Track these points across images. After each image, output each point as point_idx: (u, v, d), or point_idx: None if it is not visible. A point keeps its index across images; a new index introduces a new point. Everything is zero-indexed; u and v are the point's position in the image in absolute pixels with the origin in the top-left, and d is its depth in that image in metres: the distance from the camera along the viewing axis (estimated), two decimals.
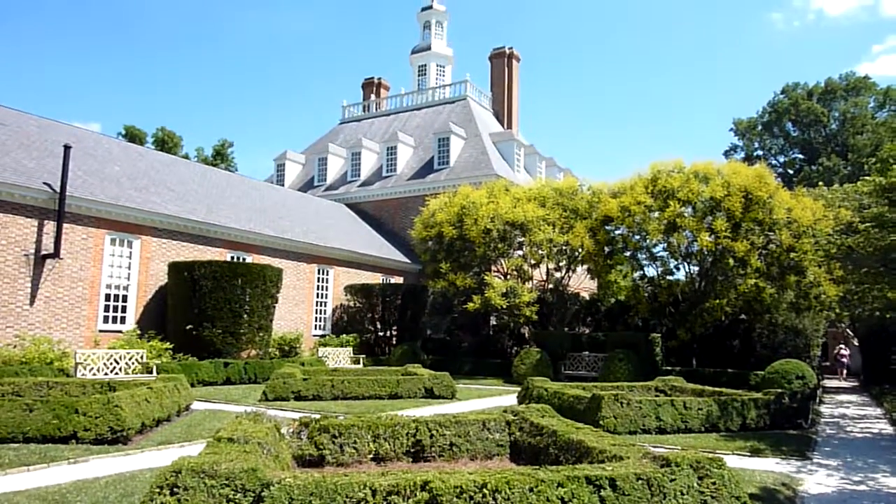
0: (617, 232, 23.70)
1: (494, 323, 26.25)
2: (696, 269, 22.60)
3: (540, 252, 24.01)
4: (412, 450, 7.31)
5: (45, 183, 17.39)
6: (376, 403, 13.81)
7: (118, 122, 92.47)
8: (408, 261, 30.32)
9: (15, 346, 15.97)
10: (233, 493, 3.93)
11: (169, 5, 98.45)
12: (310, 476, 4.17)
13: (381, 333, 26.51)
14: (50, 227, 17.44)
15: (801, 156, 54.11)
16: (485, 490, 4.17)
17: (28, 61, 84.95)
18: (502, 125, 38.11)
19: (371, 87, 44.29)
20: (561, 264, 25.24)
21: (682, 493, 4.62)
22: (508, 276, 24.59)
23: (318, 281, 26.22)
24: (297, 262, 25.07)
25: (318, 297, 26.13)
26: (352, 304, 26.63)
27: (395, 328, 26.55)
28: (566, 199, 24.55)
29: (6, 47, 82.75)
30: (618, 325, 25.42)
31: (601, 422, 10.41)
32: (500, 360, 24.42)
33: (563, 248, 24.18)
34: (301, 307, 25.08)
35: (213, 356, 18.36)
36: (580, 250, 23.81)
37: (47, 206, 17.39)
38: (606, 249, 23.89)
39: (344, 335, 25.28)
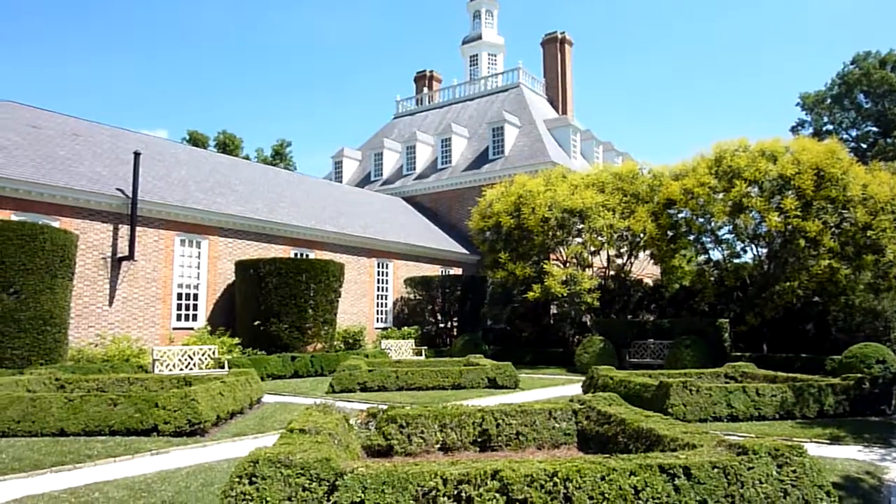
0: (680, 215, 23.10)
1: (555, 312, 26.02)
2: (765, 251, 21.82)
3: (600, 238, 23.66)
4: (479, 439, 7.34)
5: (118, 189, 18.17)
6: (440, 394, 13.92)
7: (182, 127, 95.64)
8: (466, 252, 30.37)
9: (97, 345, 16.80)
10: (308, 482, 4.04)
11: (225, 15, 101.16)
12: (381, 465, 4.24)
13: (441, 325, 26.69)
14: (124, 230, 18.23)
15: (874, 129, 51.43)
16: (556, 479, 4.15)
17: (98, 73, 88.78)
18: (557, 111, 37.63)
19: (423, 80, 44.43)
20: (622, 250, 24.81)
21: (761, 482, 4.49)
22: (568, 264, 24.32)
23: (379, 274, 26.56)
24: (358, 256, 25.45)
25: (378, 290, 26.49)
26: (412, 296, 26.89)
27: (455, 319, 26.67)
28: (626, 184, 24.08)
29: (79, 62, 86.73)
30: (683, 311, 24.81)
31: (669, 410, 10.21)
32: (562, 349, 24.21)
33: (624, 233, 23.74)
34: (363, 301, 25.48)
35: (280, 350, 18.87)
36: (642, 235, 23.33)
37: (121, 210, 18.18)
38: (669, 234, 23.34)
39: (405, 327, 25.55)
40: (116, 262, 18.04)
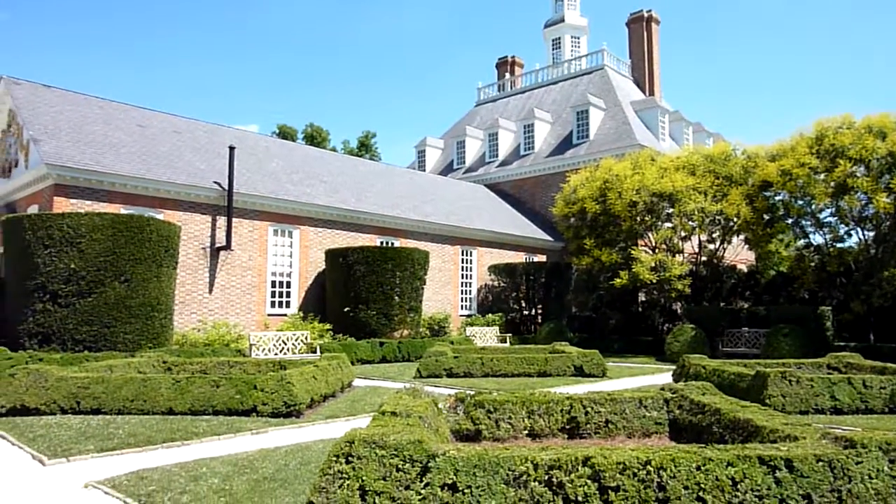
0: (777, 198, 22.00)
1: (643, 299, 25.40)
2: (872, 234, 20.44)
3: (691, 223, 22.85)
4: (566, 426, 7.30)
5: (215, 182, 19.11)
6: (525, 381, 13.91)
7: (272, 121, 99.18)
8: (550, 238, 30.08)
9: (199, 330, 17.79)
10: (401, 462, 4.16)
11: (312, 11, 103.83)
12: (472, 449, 4.31)
13: (525, 312, 26.61)
14: (221, 221, 19.17)
15: None
16: (649, 467, 4.09)
17: (195, 73, 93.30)
18: (644, 92, 36.49)
19: (505, 66, 44.10)
20: (714, 235, 23.87)
21: (870, 478, 4.26)
22: (657, 250, 23.64)
23: (463, 262, 26.74)
24: (442, 244, 25.70)
25: (462, 277, 26.67)
26: (496, 283, 26.92)
27: (539, 306, 26.52)
28: (718, 166, 23.10)
29: (177, 61, 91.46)
30: (780, 298, 23.65)
31: (767, 400, 9.80)
32: (651, 337, 23.62)
33: (717, 217, 22.81)
34: (447, 288, 25.73)
35: (368, 336, 19.37)
36: (735, 219, 22.35)
37: (218, 202, 19.12)
38: (765, 217, 22.27)
39: (489, 314, 25.64)
40: (215, 252, 19.01)
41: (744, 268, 27.05)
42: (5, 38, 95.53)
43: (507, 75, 43.08)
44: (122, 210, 16.90)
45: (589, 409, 7.31)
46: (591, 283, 25.54)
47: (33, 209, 17.31)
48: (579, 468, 4.11)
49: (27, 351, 13.36)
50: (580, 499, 4.03)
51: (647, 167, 23.39)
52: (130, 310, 14.45)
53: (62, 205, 16.33)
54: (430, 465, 4.13)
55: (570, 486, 4.05)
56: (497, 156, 35.72)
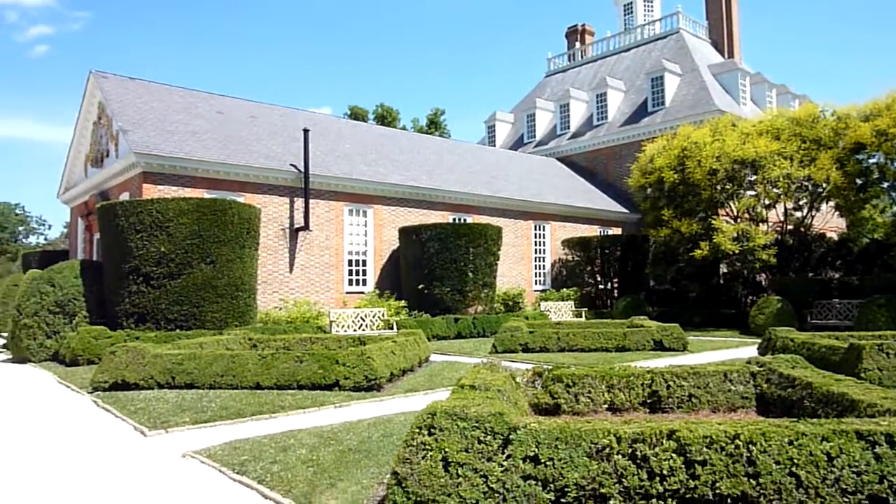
0: (871, 161, 20.70)
1: (725, 271, 24.50)
2: None
3: (775, 190, 21.79)
4: (648, 400, 7.17)
5: (291, 164, 19.61)
6: (603, 356, 13.74)
7: (344, 103, 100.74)
8: (625, 211, 29.40)
9: (280, 308, 18.44)
10: (482, 434, 4.20)
11: None
12: (553, 422, 4.30)
13: (601, 286, 26.19)
14: (299, 203, 19.70)
15: None
16: (738, 441, 3.97)
17: (269, 59, 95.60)
18: (722, 55, 34.86)
19: (575, 35, 42.97)
20: (801, 202, 22.70)
21: None
22: (739, 219, 22.71)
23: (536, 237, 26.53)
24: (514, 219, 25.55)
25: (536, 252, 26.48)
26: (570, 257, 26.60)
27: (615, 280, 26.05)
28: (804, 129, 21.86)
29: (251, 48, 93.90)
30: (874, 267, 22.33)
31: (862, 375, 9.29)
32: (734, 310, 22.82)
33: (804, 183, 21.65)
34: (521, 263, 25.62)
35: (443, 313, 19.56)
36: (824, 185, 21.16)
37: (294, 185, 19.63)
38: (858, 182, 21.02)
39: (564, 289, 25.39)
40: (294, 233, 19.58)
41: (834, 236, 25.65)
42: (91, 35, 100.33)
43: (578, 44, 42.01)
44: (206, 194, 17.60)
45: (671, 383, 7.15)
46: (669, 256, 24.83)
47: (124, 196, 18.27)
48: (664, 442, 4.03)
49: (125, 330, 14.21)
50: (665, 472, 3.96)
51: (727, 133, 22.41)
52: (217, 290, 15.10)
53: (150, 191, 17.16)
54: (511, 437, 4.15)
55: (654, 459, 3.98)
56: (569, 127, 35.05)
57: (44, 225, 76.78)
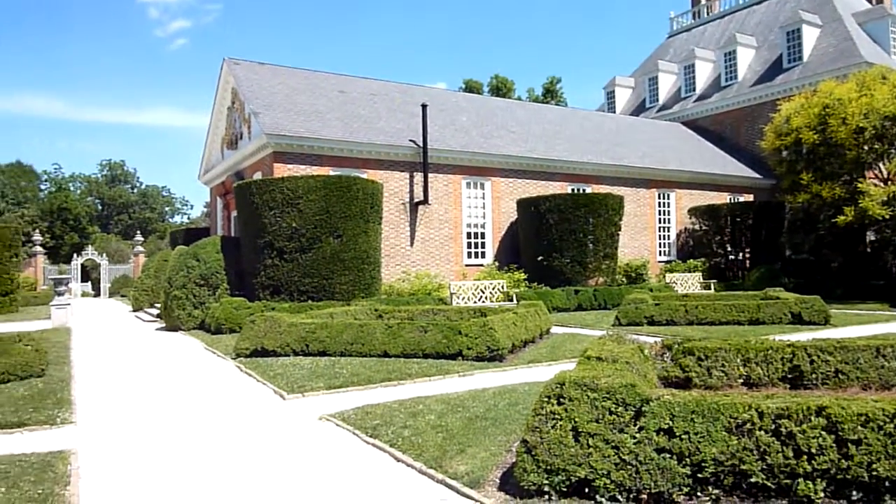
0: None
1: (873, 238, 22.43)
2: None
3: None
4: (788, 376, 6.75)
5: (410, 140, 19.98)
6: (735, 329, 13.07)
7: (458, 77, 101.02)
8: (757, 176, 27.58)
9: (403, 281, 18.98)
10: (614, 405, 4.13)
11: None
12: (688, 394, 4.16)
13: (731, 257, 24.83)
14: (418, 177, 20.07)
15: None
16: None
17: (386, 36, 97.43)
18: (869, 1, 31.53)
19: None
20: None
21: None
22: (890, 182, 20.67)
23: (660, 206, 25.52)
24: (636, 188, 24.69)
25: (660, 222, 25.50)
26: (697, 227, 25.38)
27: (747, 250, 24.59)
28: None
29: (369, 28, 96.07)
30: None
31: None
32: (882, 281, 20.93)
33: None
34: (644, 234, 24.78)
35: (563, 284, 19.34)
36: None
37: (414, 159, 20.00)
38: None
39: (690, 260, 24.32)
40: (414, 207, 20.00)
41: None
42: (223, 25, 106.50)
43: (703, 1, 39.48)
44: (331, 172, 18.31)
45: (815, 358, 6.68)
46: (808, 223, 23.07)
47: (258, 175, 19.38)
48: (812, 418, 3.79)
49: (261, 301, 15.18)
50: (813, 450, 3.73)
51: (876, 87, 20.34)
52: (344, 263, 15.76)
53: (281, 170, 18.10)
54: (643, 409, 4.06)
55: (801, 436, 3.75)
56: (694, 90, 33.19)
57: (186, 205, 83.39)
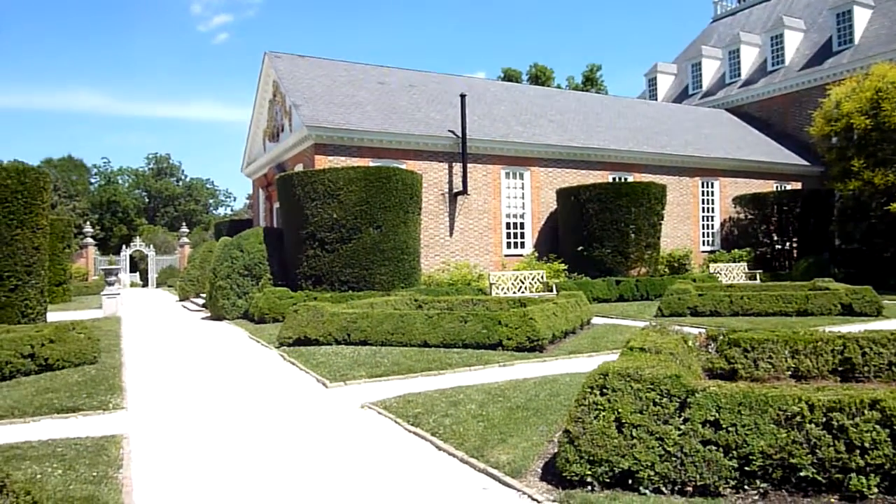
0: None
1: None
2: None
3: None
4: (839, 368, 6.57)
5: (449, 130, 19.96)
6: (782, 320, 12.75)
7: (497, 66, 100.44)
8: (805, 163, 26.80)
9: (442, 271, 19.02)
10: (658, 397, 4.08)
11: None
12: (735, 386, 4.08)
13: (778, 246, 24.21)
14: (457, 168, 20.05)
15: None
16: None
17: (425, 27, 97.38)
18: None
19: None
20: None
21: None
22: None
23: (703, 194, 25.02)
24: (679, 176, 24.24)
25: (703, 211, 25.01)
26: (742, 216, 24.81)
27: (794, 239, 23.94)
28: None
29: (407, 18, 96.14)
30: None
31: None
32: None
33: None
34: (687, 223, 24.34)
35: (603, 275, 19.14)
36: None
37: (452, 150, 19.98)
38: None
39: (735, 250, 23.80)
40: (452, 197, 20.00)
41: None
42: (264, 19, 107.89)
43: None
44: (371, 163, 18.44)
45: (867, 350, 6.49)
46: (859, 211, 22.30)
47: (299, 167, 19.62)
48: (865, 412, 3.69)
49: (303, 291, 15.40)
50: (867, 445, 3.63)
51: None
52: (384, 253, 15.87)
53: (322, 162, 18.29)
54: (688, 400, 4.00)
55: (853, 430, 3.66)
56: (739, 75, 32.35)
57: (230, 197, 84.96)
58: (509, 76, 52.73)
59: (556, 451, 4.51)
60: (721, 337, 7.00)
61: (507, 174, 21.20)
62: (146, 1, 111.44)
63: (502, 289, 17.50)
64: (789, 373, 6.66)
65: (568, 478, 4.08)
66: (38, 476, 4.58)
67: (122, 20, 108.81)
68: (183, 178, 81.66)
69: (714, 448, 3.86)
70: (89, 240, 39.91)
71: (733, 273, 21.28)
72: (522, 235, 21.38)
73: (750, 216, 24.45)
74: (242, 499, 4.28)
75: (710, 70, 34.50)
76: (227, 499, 4.29)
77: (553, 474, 4.30)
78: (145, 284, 41.92)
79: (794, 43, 30.23)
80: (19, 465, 4.78)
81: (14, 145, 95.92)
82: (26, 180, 12.34)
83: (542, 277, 18.16)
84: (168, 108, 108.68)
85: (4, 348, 8.29)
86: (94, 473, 4.67)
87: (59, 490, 4.30)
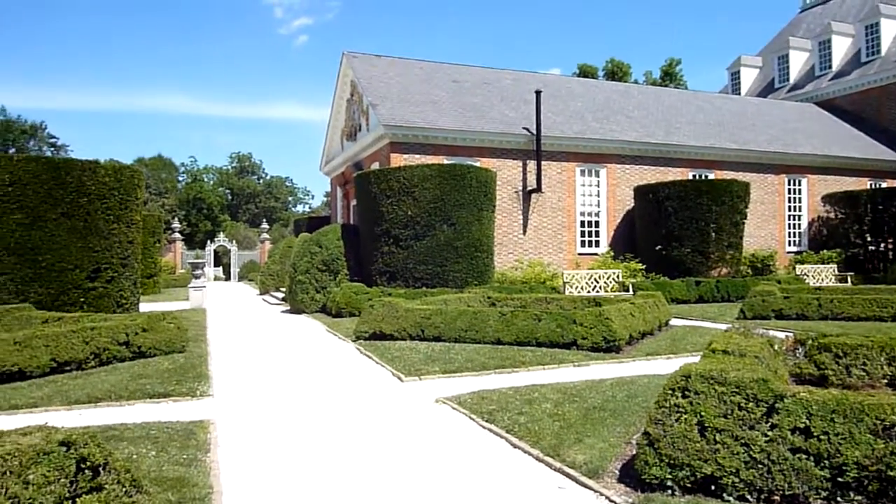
0: None
1: None
2: None
3: None
4: None
5: (523, 128, 19.85)
6: (876, 325, 12.06)
7: (573, 62, 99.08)
8: None
9: (516, 269, 18.95)
10: (744, 401, 3.95)
11: None
12: (827, 392, 3.90)
13: (871, 248, 22.84)
14: (531, 165, 19.92)
15: None
16: None
17: (500, 24, 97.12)
18: None
19: None
20: None
21: None
22: None
23: (789, 192, 23.92)
24: (764, 174, 23.26)
25: (789, 210, 23.91)
26: (831, 215, 23.56)
27: (890, 240, 22.52)
28: None
29: (483, 17, 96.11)
30: None
31: None
32: None
33: None
34: (771, 222, 23.33)
35: (682, 275, 18.60)
36: None
37: (527, 147, 19.86)
38: None
39: (824, 251, 22.63)
40: (526, 195, 19.89)
41: None
42: (342, 21, 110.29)
43: None
44: (445, 161, 18.55)
45: None
46: None
47: (375, 165, 19.96)
48: None
49: (378, 286, 15.68)
50: None
51: None
52: (457, 250, 15.96)
53: (397, 160, 18.54)
54: (777, 406, 3.86)
55: None
56: (830, 67, 30.71)
57: (308, 195, 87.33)
58: (585, 72, 51.86)
59: (634, 453, 4.44)
60: (810, 341, 6.70)
61: (583, 171, 20.90)
62: (231, 6, 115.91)
63: (576, 287, 17.28)
64: (885, 381, 6.30)
65: (647, 481, 4.01)
66: (134, 456, 4.86)
67: (208, 26, 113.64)
68: (264, 175, 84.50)
69: (804, 456, 3.70)
70: (177, 235, 41.91)
71: (822, 275, 20.26)
72: (597, 234, 21.04)
73: (841, 215, 23.20)
74: (322, 486, 4.41)
75: (798, 62, 32.90)
76: (306, 485, 4.43)
77: (631, 476, 4.23)
78: (227, 278, 43.66)
79: (891, 31, 28.45)
80: (116, 446, 5.08)
81: (110, 145, 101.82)
82: (122, 178, 13.09)
83: (617, 277, 17.82)
84: (251, 108, 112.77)
85: (103, 336, 8.83)
86: (185, 456, 4.92)
87: (153, 470, 4.56)
